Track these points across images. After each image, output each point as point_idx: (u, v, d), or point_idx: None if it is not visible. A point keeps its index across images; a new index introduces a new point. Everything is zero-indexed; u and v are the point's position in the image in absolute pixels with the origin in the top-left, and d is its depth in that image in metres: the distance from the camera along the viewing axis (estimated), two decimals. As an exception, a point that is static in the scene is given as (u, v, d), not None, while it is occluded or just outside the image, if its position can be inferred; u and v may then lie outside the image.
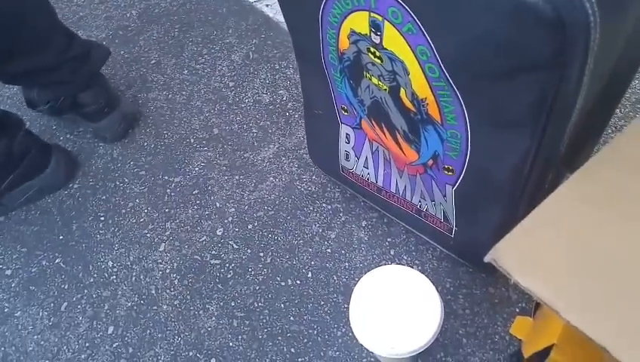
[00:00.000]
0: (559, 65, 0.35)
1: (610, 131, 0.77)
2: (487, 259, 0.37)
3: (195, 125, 0.90)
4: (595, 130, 0.53)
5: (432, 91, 0.44)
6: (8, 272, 0.77)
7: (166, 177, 0.84)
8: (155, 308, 0.72)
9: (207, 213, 0.79)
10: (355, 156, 0.65)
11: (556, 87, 0.37)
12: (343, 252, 0.73)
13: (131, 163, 0.87)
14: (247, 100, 0.91)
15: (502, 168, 0.47)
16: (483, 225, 0.55)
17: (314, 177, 0.80)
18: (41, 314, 0.73)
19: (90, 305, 0.73)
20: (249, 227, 0.77)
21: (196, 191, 0.82)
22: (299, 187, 0.80)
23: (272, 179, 0.81)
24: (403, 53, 0.43)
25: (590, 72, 0.36)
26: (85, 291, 0.74)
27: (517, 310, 0.64)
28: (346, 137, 0.64)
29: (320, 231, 0.75)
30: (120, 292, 0.73)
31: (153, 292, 0.73)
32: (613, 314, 0.34)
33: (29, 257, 0.78)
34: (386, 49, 0.44)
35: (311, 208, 0.77)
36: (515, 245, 0.37)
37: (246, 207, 0.79)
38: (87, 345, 0.69)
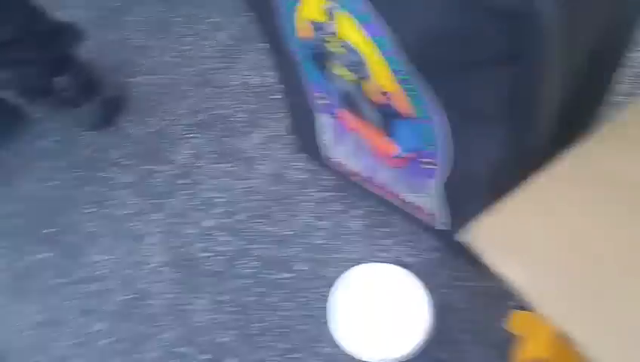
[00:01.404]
0: (517, 57, 0.32)
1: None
2: (460, 239, 0.34)
3: (181, 111, 0.85)
4: (590, 112, 0.49)
5: (397, 84, 0.40)
6: (-4, 268, 0.75)
7: (153, 166, 0.80)
8: (145, 302, 0.69)
9: (195, 203, 0.76)
10: (337, 146, 0.61)
11: (520, 80, 0.33)
12: (334, 243, 0.69)
13: (118, 152, 0.83)
14: (234, 83, 0.86)
15: (483, 161, 0.43)
16: (472, 217, 0.51)
17: (304, 164, 0.76)
18: (30, 310, 0.71)
19: (79, 301, 0.70)
20: (238, 218, 0.73)
21: (184, 181, 0.78)
22: (289, 174, 0.76)
23: (261, 166, 0.77)
24: (360, 44, 0.39)
25: (556, 62, 0.31)
26: (74, 286, 0.71)
27: (515, 304, 0.61)
28: (325, 126, 0.59)
29: (311, 221, 0.71)
30: (109, 287, 0.71)
31: (142, 286, 0.70)
32: (589, 305, 0.31)
33: (17, 252, 0.75)
34: (342, 39, 0.40)
35: (301, 197, 0.73)
36: (491, 225, 0.35)
37: (235, 196, 0.75)
38: (78, 340, 0.67)
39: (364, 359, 0.50)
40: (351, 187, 0.72)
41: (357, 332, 0.49)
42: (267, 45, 0.58)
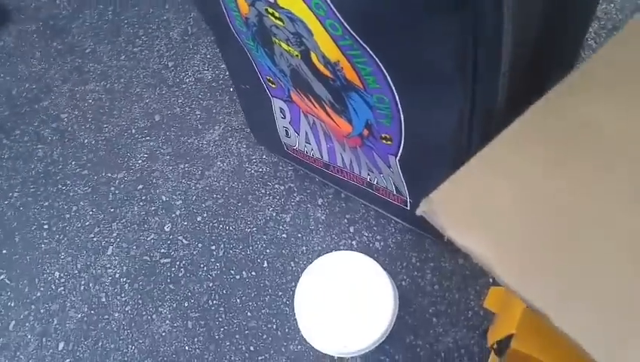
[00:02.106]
0: (465, 6, 0.27)
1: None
2: (418, 212, 0.30)
3: (135, 114, 0.81)
4: (563, 69, 0.45)
5: (342, 52, 0.36)
6: (-49, 295, 0.71)
7: (109, 174, 0.76)
8: (106, 317, 0.65)
9: (153, 208, 0.72)
10: (295, 132, 0.57)
11: (471, 33, 0.28)
12: (299, 235, 0.65)
13: (73, 163, 0.79)
14: (188, 80, 0.82)
15: (440, 130, 0.39)
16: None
17: (264, 156, 0.72)
18: (-13, 336, 0.66)
19: (39, 321, 0.66)
20: (198, 219, 0.69)
21: (141, 186, 0.74)
22: (249, 169, 0.72)
23: (219, 163, 0.73)
24: (300, 11, 0.35)
25: (511, 11, 0.27)
26: (33, 307, 0.68)
27: (490, 281, 0.57)
28: (281, 112, 0.55)
29: (274, 215, 0.67)
30: (69, 304, 0.67)
31: (103, 300, 0.66)
32: (557, 275, 0.27)
33: (-28, 277, 0.71)
34: (282, 8, 0.36)
35: (263, 191, 0.70)
36: (451, 195, 0.30)
37: (194, 197, 0.71)
38: (37, 365, 0.63)
39: (330, 353, 0.46)
40: (313, 176, 0.68)
41: (322, 326, 0.45)
42: (214, 33, 0.55)
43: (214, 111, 0.78)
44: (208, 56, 0.84)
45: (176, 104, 0.80)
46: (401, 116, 0.40)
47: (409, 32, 0.31)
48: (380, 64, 0.35)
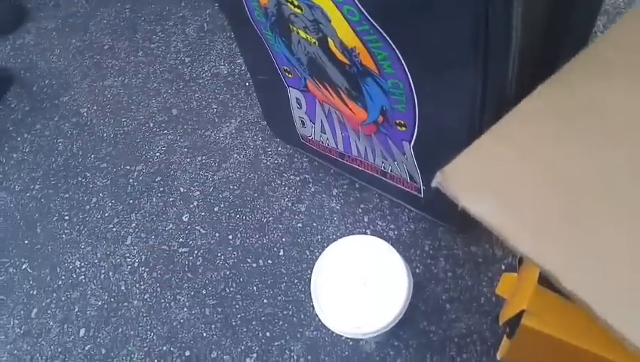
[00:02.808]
0: None
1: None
2: (433, 183, 0.32)
3: (153, 108, 0.84)
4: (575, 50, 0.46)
5: (359, 38, 0.38)
6: (-24, 283, 0.74)
7: (128, 166, 0.79)
8: (126, 304, 0.68)
9: (171, 199, 0.74)
10: (311, 121, 0.59)
11: (482, 13, 0.30)
12: (314, 224, 0.67)
13: (92, 156, 0.82)
14: (204, 75, 0.85)
15: (454, 116, 0.41)
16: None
17: (279, 148, 0.74)
18: (12, 322, 0.70)
19: (60, 309, 0.69)
20: (215, 209, 0.72)
21: (159, 178, 0.77)
22: (264, 161, 0.74)
23: (235, 155, 0.76)
24: None
25: None
26: (54, 295, 0.70)
27: (503, 267, 0.59)
28: (297, 102, 0.58)
29: (289, 205, 0.70)
30: (89, 292, 0.70)
31: (123, 288, 0.69)
32: (567, 240, 0.29)
33: (-4, 266, 0.75)
34: None
35: (278, 182, 0.72)
36: (464, 166, 0.32)
37: (211, 188, 0.74)
38: (59, 350, 0.66)
39: (344, 334, 0.48)
40: (328, 166, 0.70)
41: (337, 307, 0.48)
42: (232, 26, 0.57)
43: (230, 105, 0.81)
44: (224, 51, 0.87)
45: (193, 98, 0.83)
46: (416, 101, 0.42)
47: (423, 14, 0.33)
48: (396, 48, 0.37)
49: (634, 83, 0.34)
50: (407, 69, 0.39)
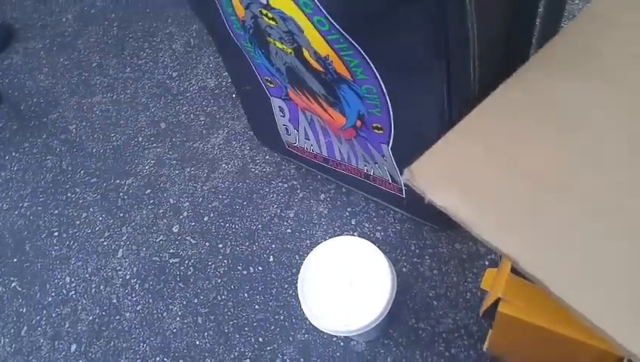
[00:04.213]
0: None
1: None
2: (402, 180, 0.35)
3: (141, 123, 0.88)
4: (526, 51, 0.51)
5: (330, 47, 0.42)
6: (-32, 302, 0.77)
7: (118, 181, 0.83)
8: (118, 317, 0.71)
9: (161, 211, 0.78)
10: (294, 129, 0.64)
11: (439, 20, 0.35)
12: (303, 230, 0.71)
13: (82, 171, 0.86)
14: (192, 88, 0.90)
15: (425, 117, 0.45)
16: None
17: (267, 157, 0.79)
18: (2, 341, 0.73)
19: (51, 326, 0.73)
20: (205, 219, 0.76)
21: (149, 191, 0.81)
22: (253, 169, 0.78)
23: (224, 165, 0.80)
24: (290, 10, 0.41)
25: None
26: (44, 312, 0.74)
27: (486, 263, 0.63)
28: (280, 110, 0.62)
29: (278, 211, 0.74)
30: (80, 307, 0.73)
31: (114, 301, 0.73)
32: (527, 226, 0.33)
33: (-13, 284, 0.78)
34: (274, 8, 0.43)
35: (267, 189, 0.76)
36: (430, 163, 0.36)
37: (200, 199, 0.78)
38: (53, 364, 0.69)
39: (332, 332, 0.51)
40: (314, 173, 0.75)
41: (324, 307, 0.51)
42: (214, 39, 0.62)
43: (218, 116, 0.85)
44: (211, 65, 0.92)
45: (181, 111, 0.88)
46: (389, 105, 0.46)
47: (386, 22, 0.37)
48: (365, 56, 0.41)
49: (585, 80, 0.38)
50: (378, 75, 0.43)
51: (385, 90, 0.45)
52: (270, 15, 0.44)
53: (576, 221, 0.33)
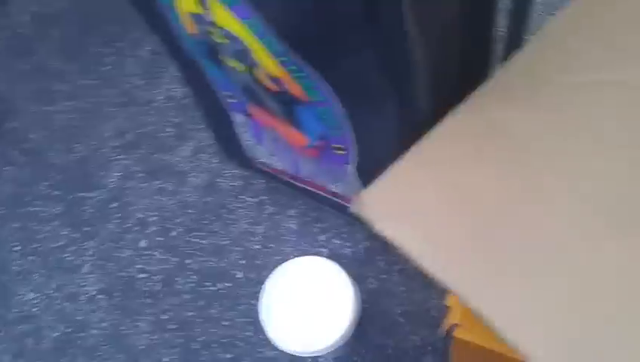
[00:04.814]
0: (374, 20, 0.34)
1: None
2: (351, 209, 0.37)
3: (107, 133, 0.88)
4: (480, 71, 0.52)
5: (281, 68, 0.43)
6: None
7: (82, 193, 0.83)
8: (83, 334, 0.71)
9: (128, 225, 0.78)
10: (259, 145, 0.65)
11: (380, 45, 0.36)
12: (272, 245, 0.73)
13: (44, 183, 0.85)
14: (159, 98, 0.90)
15: (383, 140, 0.47)
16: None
17: (236, 171, 0.80)
18: (-37, 360, 0.72)
19: (14, 343, 0.72)
20: (173, 234, 0.76)
21: (115, 204, 0.81)
22: (221, 183, 0.79)
23: (192, 179, 0.80)
24: (237, 30, 0.42)
25: (415, 20, 0.34)
26: (6, 329, 0.74)
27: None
28: (242, 126, 0.63)
29: (247, 227, 0.75)
30: (43, 324, 0.73)
31: (80, 317, 0.73)
32: (475, 262, 0.34)
33: (-55, 302, 0.77)
34: (220, 27, 0.43)
35: (236, 204, 0.77)
36: (379, 192, 0.37)
37: (168, 213, 0.78)
38: (15, 385, 0.69)
39: (294, 353, 0.53)
40: (283, 188, 0.76)
41: (286, 328, 0.53)
42: (171, 55, 0.62)
43: (186, 127, 0.86)
44: (178, 73, 0.92)
45: (148, 122, 0.87)
46: (349, 126, 0.47)
47: (331, 45, 0.38)
48: (318, 78, 0.42)
49: (538, 107, 0.40)
50: (333, 97, 0.44)
51: (343, 113, 0.46)
52: (219, 33, 0.44)
53: (520, 256, 0.35)
